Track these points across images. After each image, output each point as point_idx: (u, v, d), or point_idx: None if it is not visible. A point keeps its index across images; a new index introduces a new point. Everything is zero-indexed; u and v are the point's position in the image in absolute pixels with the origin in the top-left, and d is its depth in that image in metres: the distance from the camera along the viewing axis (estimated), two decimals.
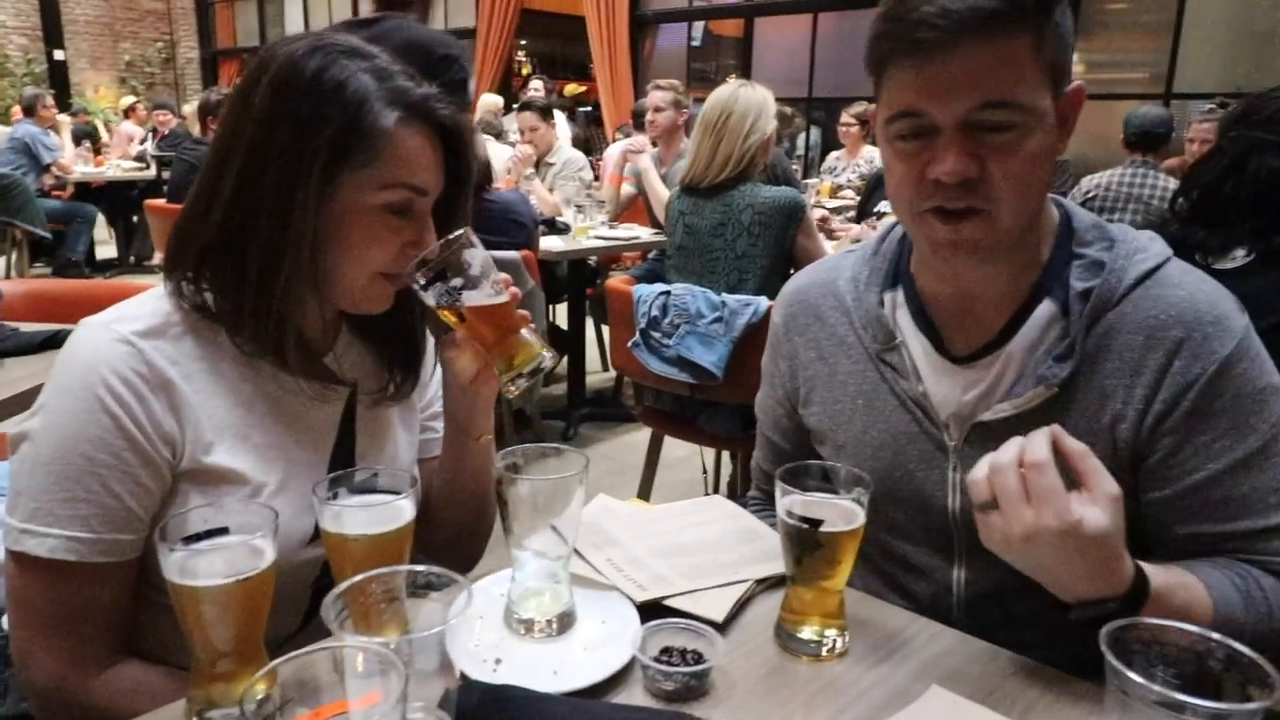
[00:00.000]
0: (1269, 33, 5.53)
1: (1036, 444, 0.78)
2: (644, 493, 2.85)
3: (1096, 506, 0.77)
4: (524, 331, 0.98)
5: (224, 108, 0.92)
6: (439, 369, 1.15)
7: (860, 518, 0.85)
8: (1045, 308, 0.96)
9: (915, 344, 1.04)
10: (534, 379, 0.98)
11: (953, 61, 0.85)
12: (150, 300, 0.93)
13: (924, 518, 1.04)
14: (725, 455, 3.14)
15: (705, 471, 3.08)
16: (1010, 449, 0.79)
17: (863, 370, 1.07)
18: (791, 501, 0.86)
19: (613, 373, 4.51)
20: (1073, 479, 0.78)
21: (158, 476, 0.88)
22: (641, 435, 2.88)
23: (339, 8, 11.96)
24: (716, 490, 3.11)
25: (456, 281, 0.93)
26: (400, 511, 0.83)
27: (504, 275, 0.97)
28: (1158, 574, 0.84)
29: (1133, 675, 0.62)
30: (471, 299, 0.93)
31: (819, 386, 1.12)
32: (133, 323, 0.89)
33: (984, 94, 0.85)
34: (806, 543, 0.84)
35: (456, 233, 0.93)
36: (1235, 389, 0.90)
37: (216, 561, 0.72)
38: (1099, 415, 0.94)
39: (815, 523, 0.83)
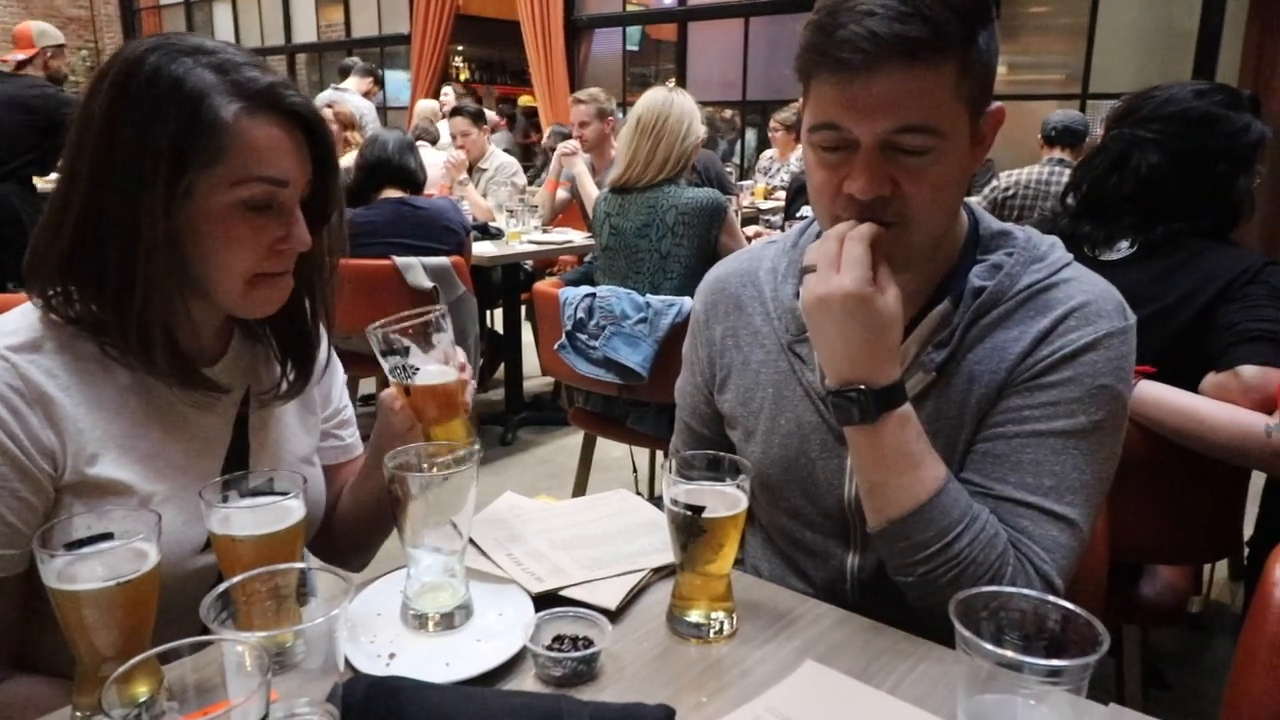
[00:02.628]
0: (1178, 35, 5.76)
1: (861, 227, 0.90)
2: (578, 493, 2.86)
3: (887, 294, 0.89)
4: (460, 420, 0.98)
5: (74, 115, 0.89)
6: (338, 372, 1.15)
7: (742, 504, 0.88)
8: (942, 307, 1.01)
9: None
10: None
11: (874, 84, 0.86)
12: (26, 314, 0.92)
13: (822, 504, 1.08)
14: (659, 455, 3.17)
15: (635, 471, 3.11)
16: (838, 230, 0.91)
17: (775, 360, 1.10)
18: (677, 490, 0.89)
19: (551, 377, 4.52)
20: None
21: (38, 490, 0.87)
22: (580, 438, 2.90)
23: (269, 12, 11.75)
24: (651, 491, 3.14)
25: (415, 362, 0.94)
26: (288, 511, 0.84)
27: (461, 358, 0.97)
28: (916, 420, 0.92)
29: (975, 638, 0.66)
30: (423, 379, 0.94)
31: (734, 374, 1.15)
32: (6, 337, 0.88)
33: (902, 118, 0.87)
34: (690, 529, 0.87)
35: (435, 310, 0.93)
36: (1075, 375, 0.94)
37: (97, 566, 0.73)
38: (967, 397, 0.98)
39: (698, 509, 0.86)
